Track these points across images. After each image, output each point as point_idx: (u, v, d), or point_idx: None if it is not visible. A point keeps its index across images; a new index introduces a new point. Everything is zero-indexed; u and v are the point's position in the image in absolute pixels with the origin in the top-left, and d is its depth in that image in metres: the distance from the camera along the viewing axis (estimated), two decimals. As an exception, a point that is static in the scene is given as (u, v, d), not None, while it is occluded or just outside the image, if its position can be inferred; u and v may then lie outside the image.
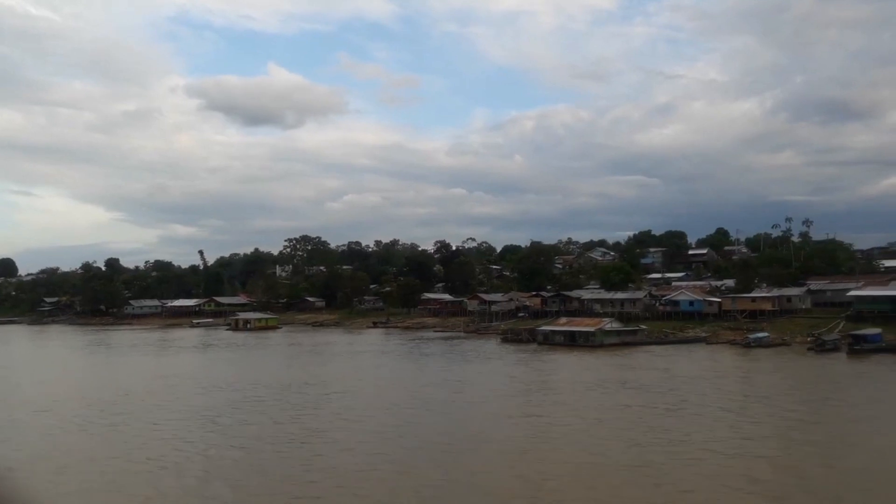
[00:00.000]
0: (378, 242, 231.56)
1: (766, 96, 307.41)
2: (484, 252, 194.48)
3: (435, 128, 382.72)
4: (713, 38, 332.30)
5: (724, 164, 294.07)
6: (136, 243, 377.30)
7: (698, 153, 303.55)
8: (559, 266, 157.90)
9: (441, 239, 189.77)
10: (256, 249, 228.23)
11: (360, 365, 71.78)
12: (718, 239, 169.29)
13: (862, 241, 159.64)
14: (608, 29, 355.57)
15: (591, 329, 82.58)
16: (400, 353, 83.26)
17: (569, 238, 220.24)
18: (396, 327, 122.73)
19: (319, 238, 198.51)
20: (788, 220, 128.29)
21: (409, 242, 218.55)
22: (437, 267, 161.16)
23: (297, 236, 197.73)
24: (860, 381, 54.46)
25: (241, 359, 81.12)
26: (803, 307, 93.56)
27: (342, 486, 27.97)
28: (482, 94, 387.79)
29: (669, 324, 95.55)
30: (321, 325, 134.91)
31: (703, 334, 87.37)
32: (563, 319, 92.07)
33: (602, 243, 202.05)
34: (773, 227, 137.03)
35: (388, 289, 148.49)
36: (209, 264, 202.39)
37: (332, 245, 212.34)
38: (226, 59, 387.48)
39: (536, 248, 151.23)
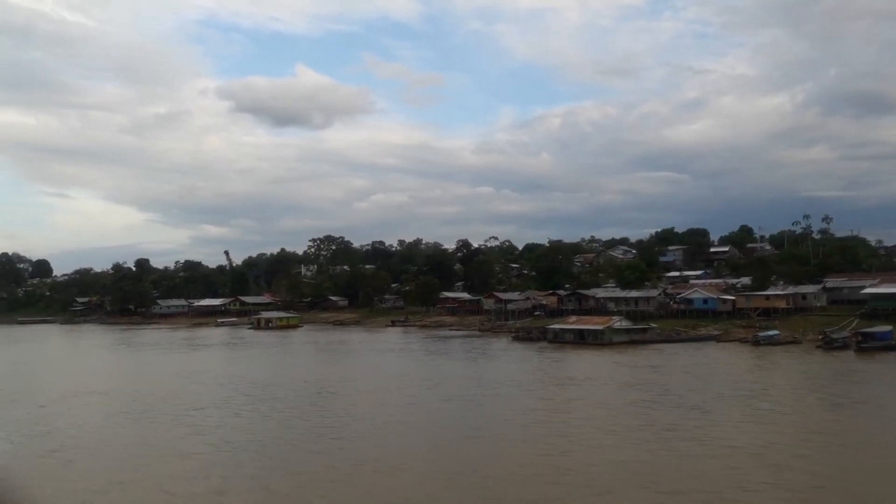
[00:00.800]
0: (402, 242, 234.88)
1: (796, 90, 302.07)
2: (506, 251, 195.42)
3: (461, 126, 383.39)
4: (741, 32, 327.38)
5: (754, 159, 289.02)
6: (169, 244, 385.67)
7: (727, 148, 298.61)
8: (579, 264, 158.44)
9: (466, 238, 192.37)
10: (283, 249, 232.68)
11: (369, 363, 73.77)
12: (741, 236, 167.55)
13: (892, 237, 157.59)
14: (635, 24, 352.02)
15: (600, 327, 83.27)
16: (408, 350, 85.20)
17: (591, 236, 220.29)
18: (415, 326, 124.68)
19: (343, 238, 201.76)
20: (806, 216, 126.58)
21: (432, 241, 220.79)
22: (458, 266, 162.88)
23: (322, 236, 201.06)
24: (858, 378, 54.48)
25: (256, 357, 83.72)
26: (818, 305, 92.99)
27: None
28: (508, 91, 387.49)
29: (683, 322, 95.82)
30: (342, 323, 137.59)
31: (715, 332, 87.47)
32: (574, 318, 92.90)
33: (624, 241, 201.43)
34: (793, 224, 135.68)
35: (407, 288, 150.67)
36: (237, 265, 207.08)
37: (357, 245, 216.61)
38: (254, 60, 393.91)
39: (554, 246, 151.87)
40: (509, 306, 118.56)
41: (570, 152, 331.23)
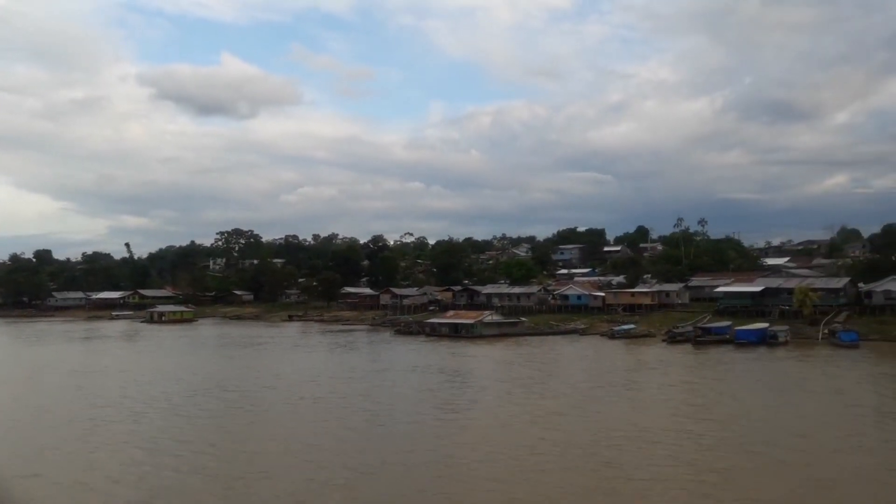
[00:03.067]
0: (316, 237, 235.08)
1: (715, 96, 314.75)
2: (418, 247, 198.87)
3: (392, 121, 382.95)
4: (665, 38, 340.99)
5: (676, 162, 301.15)
6: (86, 234, 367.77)
7: (650, 151, 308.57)
8: (488, 261, 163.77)
9: (393, 233, 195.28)
10: (192, 242, 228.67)
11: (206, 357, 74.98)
12: (636, 237, 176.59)
13: (801, 235, 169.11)
14: (563, 26, 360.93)
15: (471, 321, 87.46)
16: (276, 343, 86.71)
17: (503, 234, 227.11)
18: (312, 320, 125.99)
19: (252, 231, 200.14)
20: (680, 220, 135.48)
21: (349, 237, 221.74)
22: (366, 262, 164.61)
23: (230, 229, 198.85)
24: (662, 365, 60.23)
25: (109, 350, 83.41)
26: (680, 302, 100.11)
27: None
28: (439, 88, 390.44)
29: (558, 316, 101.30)
30: (239, 317, 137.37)
31: (581, 326, 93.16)
32: (451, 312, 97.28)
33: (531, 240, 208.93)
34: (674, 226, 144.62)
35: (314, 283, 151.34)
36: (139, 257, 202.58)
37: (272, 238, 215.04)
38: (178, 47, 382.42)
39: (450, 244, 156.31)
40: (405, 301, 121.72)
41: (501, 150, 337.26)
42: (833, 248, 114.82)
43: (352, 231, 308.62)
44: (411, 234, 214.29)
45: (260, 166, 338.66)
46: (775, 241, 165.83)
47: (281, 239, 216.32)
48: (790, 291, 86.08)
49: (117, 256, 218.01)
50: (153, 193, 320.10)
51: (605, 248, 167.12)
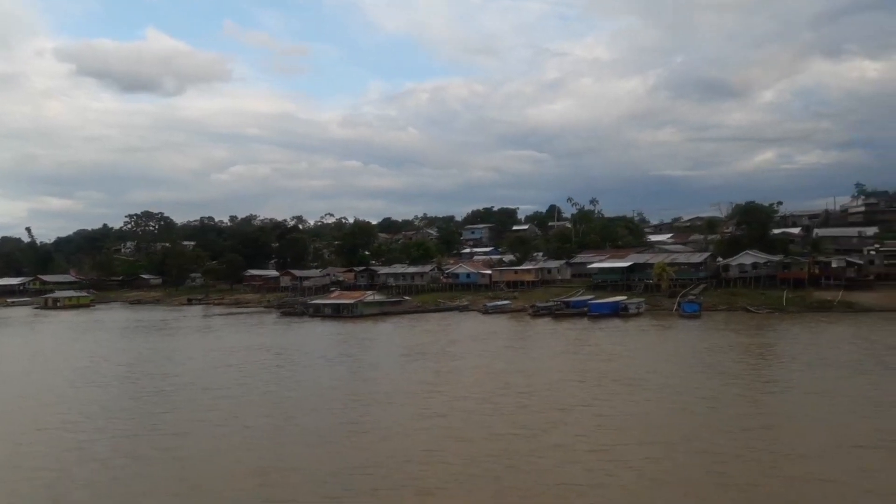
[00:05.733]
0: (234, 218, 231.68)
1: (649, 74, 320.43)
2: (337, 229, 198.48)
3: (328, 98, 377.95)
4: (601, 16, 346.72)
5: (612, 139, 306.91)
6: (4, 217, 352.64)
7: (587, 129, 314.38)
8: (397, 241, 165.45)
9: (332, 213, 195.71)
10: (105, 225, 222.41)
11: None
12: (544, 217, 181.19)
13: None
14: (502, 2, 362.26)
15: (352, 301, 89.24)
16: (146, 327, 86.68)
17: (424, 214, 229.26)
18: (212, 304, 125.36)
19: (162, 214, 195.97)
20: (569, 199, 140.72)
21: (268, 218, 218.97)
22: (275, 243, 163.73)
23: (140, 212, 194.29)
24: (510, 335, 63.68)
25: None
26: (560, 278, 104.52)
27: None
28: (376, 65, 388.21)
29: (447, 294, 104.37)
30: (139, 301, 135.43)
31: (465, 303, 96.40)
32: (336, 293, 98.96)
33: (451, 220, 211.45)
34: (569, 201, 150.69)
35: (217, 265, 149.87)
36: (43, 242, 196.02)
37: (189, 220, 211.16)
38: (99, 21, 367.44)
39: (357, 225, 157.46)
40: (305, 283, 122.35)
41: (439, 128, 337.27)
42: (710, 225, 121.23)
43: (290, 211, 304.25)
44: (332, 215, 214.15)
45: (190, 145, 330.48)
46: (691, 216, 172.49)
47: (196, 221, 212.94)
48: (653, 267, 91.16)
49: (39, 240, 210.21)
50: (77, 173, 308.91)
51: (514, 228, 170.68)
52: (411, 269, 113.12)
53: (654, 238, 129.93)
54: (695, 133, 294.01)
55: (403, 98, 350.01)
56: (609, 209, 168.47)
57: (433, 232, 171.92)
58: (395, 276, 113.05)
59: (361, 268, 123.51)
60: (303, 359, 53.70)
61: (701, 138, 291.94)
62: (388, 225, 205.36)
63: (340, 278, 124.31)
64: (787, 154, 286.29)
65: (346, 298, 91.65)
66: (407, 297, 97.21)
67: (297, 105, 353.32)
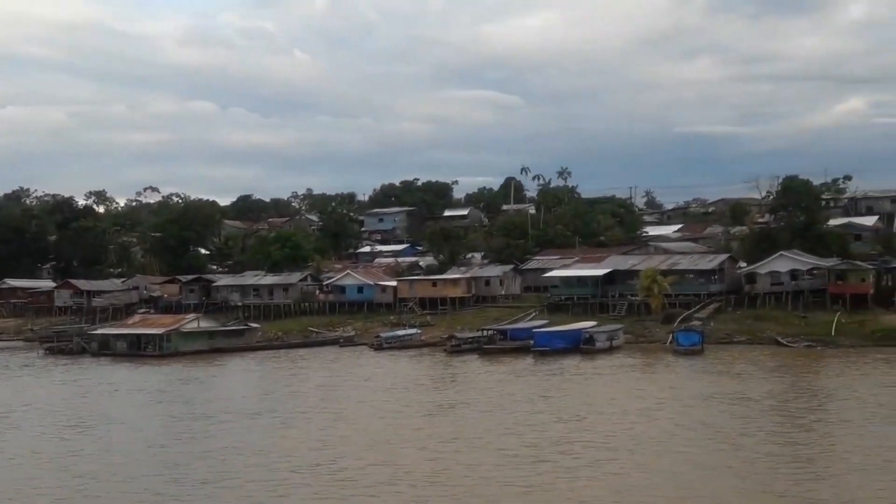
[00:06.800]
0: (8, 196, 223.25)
1: None
2: (156, 212, 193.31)
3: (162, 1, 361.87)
4: None
5: (617, 76, 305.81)
6: None
7: (579, 59, 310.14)
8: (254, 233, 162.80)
9: (156, 186, 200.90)
10: None
11: None
12: (493, 197, 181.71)
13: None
14: None
15: (161, 332, 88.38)
16: None
17: (308, 189, 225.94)
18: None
19: None
20: (525, 169, 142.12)
21: (50, 194, 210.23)
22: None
23: None
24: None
25: None
26: (505, 293, 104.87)
27: None
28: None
29: (326, 319, 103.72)
30: None
31: (351, 332, 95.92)
32: (139, 317, 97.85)
33: (349, 200, 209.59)
34: (535, 179, 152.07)
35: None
36: None
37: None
38: None
39: (188, 207, 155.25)
40: (96, 300, 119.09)
41: (344, 52, 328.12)
42: (736, 213, 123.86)
43: (93, 183, 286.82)
44: (156, 190, 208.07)
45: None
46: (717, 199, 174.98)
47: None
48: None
49: None
50: None
51: (446, 213, 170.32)
52: (269, 280, 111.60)
53: (654, 231, 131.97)
54: (744, 67, 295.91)
55: (283, 2, 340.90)
56: (608, 185, 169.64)
57: (316, 219, 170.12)
58: (244, 289, 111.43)
59: (191, 277, 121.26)
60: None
61: (753, 76, 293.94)
62: (245, 207, 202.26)
63: (157, 292, 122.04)
64: (884, 102, 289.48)
65: (153, 327, 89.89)
66: (254, 325, 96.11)
67: (111, 9, 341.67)
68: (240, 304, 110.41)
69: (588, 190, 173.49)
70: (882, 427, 45.11)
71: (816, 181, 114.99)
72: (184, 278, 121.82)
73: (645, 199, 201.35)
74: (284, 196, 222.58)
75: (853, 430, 44.88)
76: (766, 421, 48.27)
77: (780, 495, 33.56)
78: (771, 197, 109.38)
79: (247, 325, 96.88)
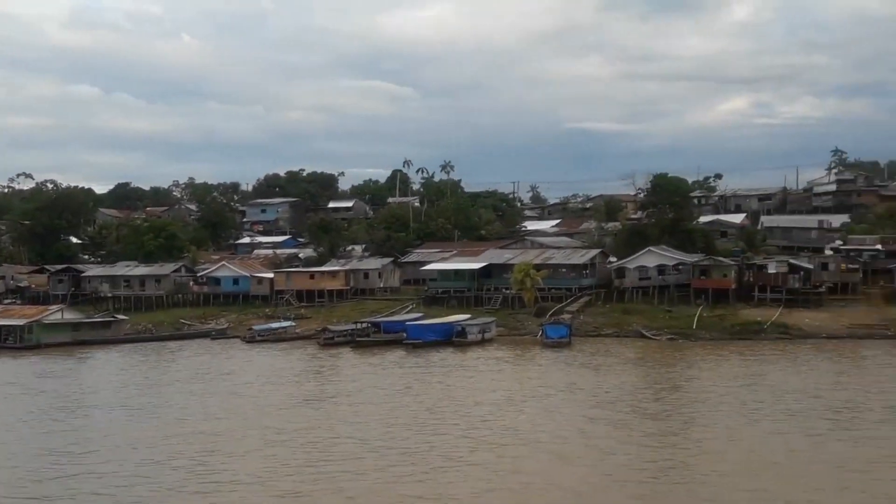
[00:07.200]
0: None
1: None
2: (28, 200, 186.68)
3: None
4: None
5: (511, 70, 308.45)
6: None
7: (473, 51, 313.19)
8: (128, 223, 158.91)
9: (30, 172, 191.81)
10: None
11: None
12: (379, 189, 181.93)
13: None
14: None
15: (23, 323, 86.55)
16: None
17: (190, 178, 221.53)
18: None
19: None
20: (407, 162, 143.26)
21: None
22: None
23: None
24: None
25: None
26: (384, 286, 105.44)
27: None
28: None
29: (200, 311, 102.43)
30: None
31: (223, 325, 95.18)
32: (1, 307, 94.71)
33: (233, 190, 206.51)
34: (418, 172, 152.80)
35: None
36: None
37: None
38: None
39: (61, 193, 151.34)
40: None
41: (235, 38, 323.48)
42: (610, 209, 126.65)
43: None
44: (30, 177, 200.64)
45: None
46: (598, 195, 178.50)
47: None
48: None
49: None
50: None
51: (331, 205, 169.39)
52: (141, 271, 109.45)
53: (534, 226, 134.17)
54: (632, 66, 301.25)
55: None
56: (498, 179, 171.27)
57: (195, 209, 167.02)
58: (114, 280, 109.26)
59: (60, 266, 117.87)
60: None
61: (641, 74, 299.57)
62: (124, 195, 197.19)
63: (24, 283, 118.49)
64: (765, 102, 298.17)
65: (15, 318, 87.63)
66: (122, 317, 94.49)
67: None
68: (110, 295, 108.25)
69: (477, 183, 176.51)
70: (711, 413, 48.53)
71: (691, 179, 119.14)
72: (52, 268, 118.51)
73: (530, 194, 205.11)
74: (166, 185, 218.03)
75: (692, 419, 47.73)
76: (612, 411, 49.96)
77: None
78: (643, 194, 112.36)
79: (114, 316, 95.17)
